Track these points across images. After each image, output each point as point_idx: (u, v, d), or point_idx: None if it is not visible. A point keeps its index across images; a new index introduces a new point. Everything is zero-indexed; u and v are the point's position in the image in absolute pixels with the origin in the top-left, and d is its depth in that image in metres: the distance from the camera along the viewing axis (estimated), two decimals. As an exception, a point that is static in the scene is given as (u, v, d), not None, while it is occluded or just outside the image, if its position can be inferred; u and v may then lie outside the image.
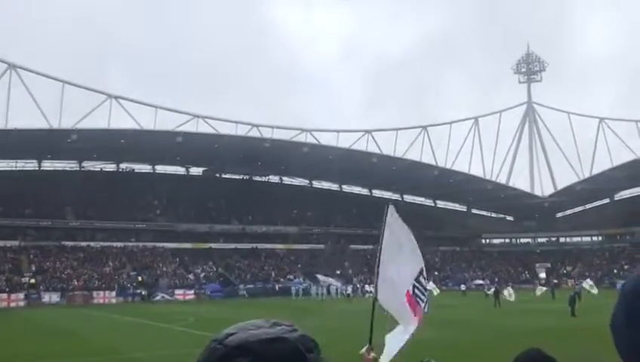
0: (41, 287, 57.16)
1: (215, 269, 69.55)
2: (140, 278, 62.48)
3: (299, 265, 74.39)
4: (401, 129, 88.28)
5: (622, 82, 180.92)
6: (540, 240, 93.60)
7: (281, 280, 69.58)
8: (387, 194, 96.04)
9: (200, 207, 75.90)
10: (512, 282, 67.36)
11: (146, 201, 74.87)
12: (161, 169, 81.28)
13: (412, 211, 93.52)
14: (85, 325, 32.89)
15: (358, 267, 75.69)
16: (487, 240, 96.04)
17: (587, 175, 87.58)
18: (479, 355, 19.45)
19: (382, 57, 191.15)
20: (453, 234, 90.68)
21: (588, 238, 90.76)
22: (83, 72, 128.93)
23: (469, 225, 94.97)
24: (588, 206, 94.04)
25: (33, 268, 60.09)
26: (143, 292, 59.69)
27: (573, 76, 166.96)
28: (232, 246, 73.88)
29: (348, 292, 59.06)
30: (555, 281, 71.01)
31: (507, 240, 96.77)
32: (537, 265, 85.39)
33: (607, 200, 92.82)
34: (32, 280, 57.33)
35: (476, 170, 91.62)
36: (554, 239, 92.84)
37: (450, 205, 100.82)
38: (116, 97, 68.70)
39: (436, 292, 52.21)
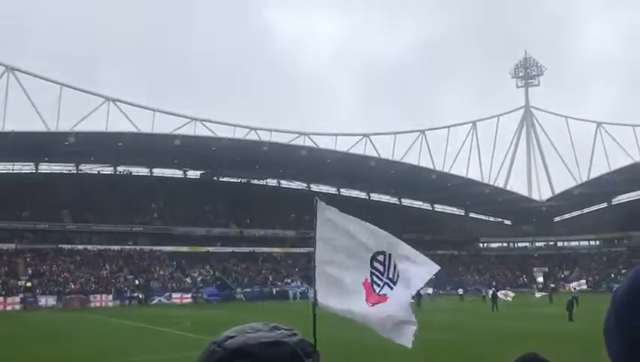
0: (38, 291, 56.98)
1: (212, 273, 69.43)
2: (136, 282, 62.35)
3: (296, 269, 74.23)
4: (399, 133, 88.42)
5: (619, 87, 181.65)
6: (537, 244, 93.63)
7: (279, 283, 69.48)
8: (385, 198, 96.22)
9: (197, 211, 75.78)
10: (510, 286, 67.28)
11: (144, 204, 74.73)
12: (158, 172, 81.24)
13: (410, 215, 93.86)
14: (82, 329, 32.74)
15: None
16: (485, 244, 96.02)
17: (585, 179, 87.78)
18: (477, 359, 19.39)
19: (380, 61, 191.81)
20: (451, 238, 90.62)
21: (585, 242, 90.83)
22: (81, 75, 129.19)
23: (466, 229, 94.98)
24: (585, 210, 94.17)
25: (29, 272, 59.89)
26: (140, 296, 59.54)
27: (571, 81, 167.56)
28: (230, 249, 73.75)
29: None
30: (553, 286, 71.01)
31: (505, 244, 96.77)
32: (535, 269, 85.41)
33: (604, 205, 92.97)
34: (29, 284, 57.10)
35: (474, 174, 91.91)
36: (551, 243, 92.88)
37: (448, 209, 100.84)
38: (114, 100, 68.68)
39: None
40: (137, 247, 69.50)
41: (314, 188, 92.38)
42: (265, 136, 75.04)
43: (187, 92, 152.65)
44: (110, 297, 58.95)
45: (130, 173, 79.68)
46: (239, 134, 73.80)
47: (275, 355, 1.03)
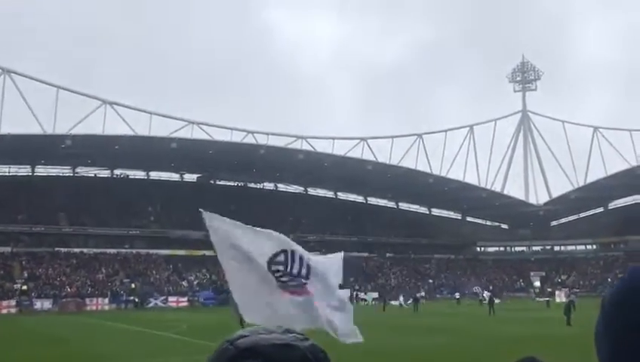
0: (33, 294, 56.74)
1: (209, 276, 69.16)
2: (133, 285, 62.17)
3: (293, 273, 74.07)
4: (396, 137, 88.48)
5: (616, 92, 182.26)
6: (534, 248, 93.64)
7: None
8: (382, 202, 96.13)
9: (194, 214, 73.78)
10: (507, 290, 67.32)
11: (140, 208, 74.54)
12: (155, 175, 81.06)
13: (407, 219, 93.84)
14: (77, 332, 32.59)
15: (353, 274, 75.40)
16: (482, 248, 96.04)
17: (582, 183, 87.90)
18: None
19: (378, 65, 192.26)
20: (448, 241, 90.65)
21: (582, 247, 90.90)
22: (77, 78, 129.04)
23: (463, 232, 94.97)
24: (582, 214, 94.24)
25: (25, 275, 59.66)
26: (136, 299, 59.36)
27: (568, 85, 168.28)
28: (227, 253, 73.43)
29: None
30: (550, 290, 71.04)
31: (502, 249, 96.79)
32: (532, 273, 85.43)
33: (601, 209, 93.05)
34: (24, 287, 56.90)
35: (471, 178, 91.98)
36: (548, 247, 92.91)
37: (445, 213, 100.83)
38: (111, 103, 68.58)
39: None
40: (134, 251, 69.29)
41: (311, 191, 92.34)
42: (262, 140, 75.04)
43: (184, 94, 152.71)
44: (106, 300, 58.74)
45: (127, 176, 79.52)
46: (236, 137, 73.81)
47: (285, 357, 1.04)
